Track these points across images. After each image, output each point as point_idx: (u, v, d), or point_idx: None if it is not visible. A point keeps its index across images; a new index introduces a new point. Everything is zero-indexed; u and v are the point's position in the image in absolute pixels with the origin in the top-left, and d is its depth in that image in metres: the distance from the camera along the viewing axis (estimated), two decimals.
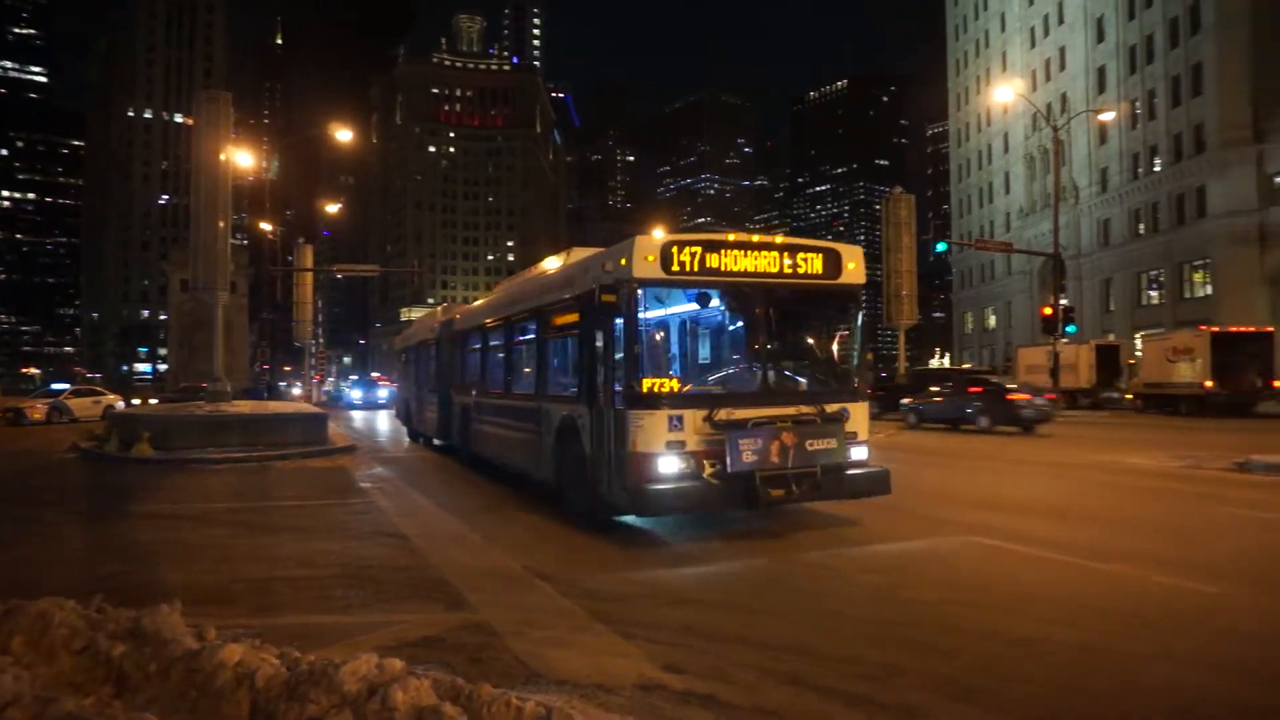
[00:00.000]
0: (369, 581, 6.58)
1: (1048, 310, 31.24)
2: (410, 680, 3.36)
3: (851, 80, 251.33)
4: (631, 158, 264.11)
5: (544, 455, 9.87)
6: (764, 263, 8.01)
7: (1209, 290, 48.24)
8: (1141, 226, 54.33)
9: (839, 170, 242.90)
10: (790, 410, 7.83)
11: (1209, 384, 29.63)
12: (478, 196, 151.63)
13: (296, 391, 57.53)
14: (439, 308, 19.36)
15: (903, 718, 3.86)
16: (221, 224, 19.16)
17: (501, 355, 12.56)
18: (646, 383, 7.52)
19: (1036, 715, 3.95)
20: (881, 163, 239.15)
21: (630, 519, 8.45)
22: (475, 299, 17.35)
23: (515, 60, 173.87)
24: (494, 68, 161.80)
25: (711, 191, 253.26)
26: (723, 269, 7.84)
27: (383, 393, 49.46)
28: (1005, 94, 49.76)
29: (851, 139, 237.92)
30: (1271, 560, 7.20)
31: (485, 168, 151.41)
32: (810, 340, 9.03)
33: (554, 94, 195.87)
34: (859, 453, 8.25)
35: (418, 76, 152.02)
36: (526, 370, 11.38)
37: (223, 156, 19.20)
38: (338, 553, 7.69)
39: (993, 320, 76.47)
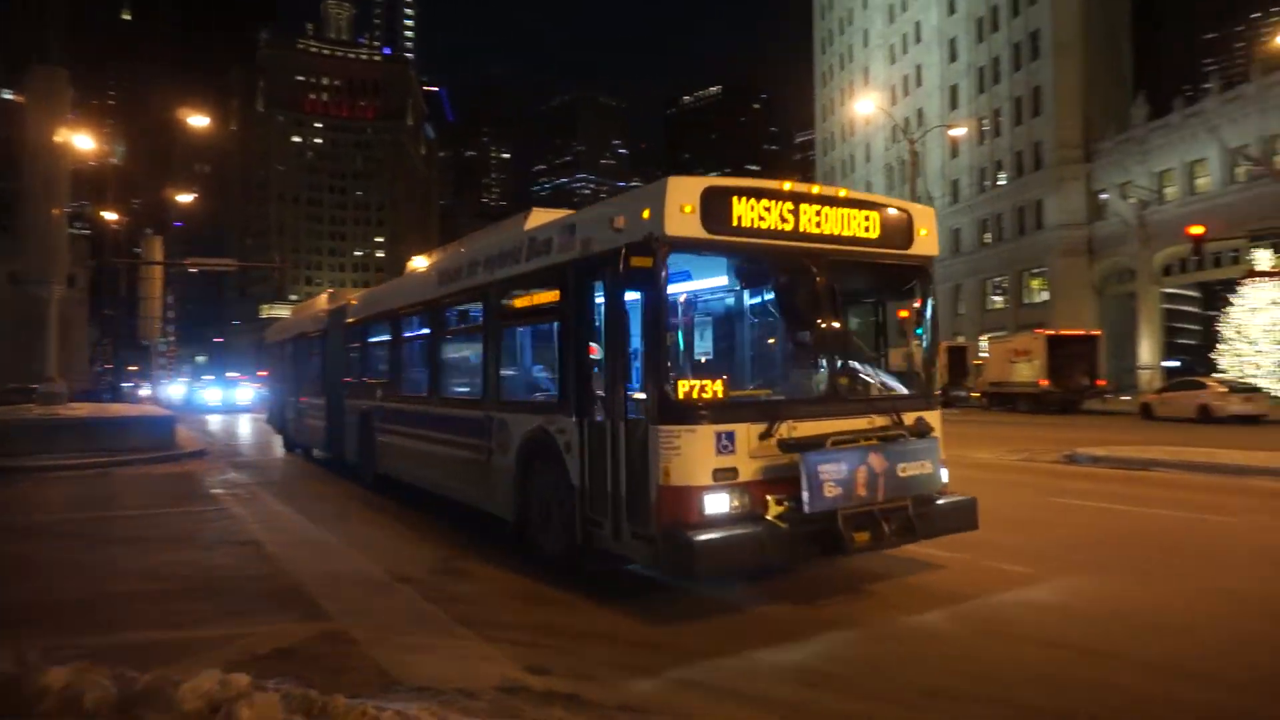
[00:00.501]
0: (218, 593, 6.26)
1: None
2: (257, 695, 3.24)
3: (725, 87, 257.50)
4: (507, 155, 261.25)
5: (497, 482, 7.60)
6: (829, 223, 6.11)
7: (1046, 296, 52.12)
8: (988, 236, 58.20)
9: (711, 175, 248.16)
10: (863, 423, 6.00)
11: (1044, 383, 32.06)
12: (345, 190, 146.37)
13: (144, 393, 53.85)
14: (323, 294, 16.57)
15: None
16: (57, 212, 17.71)
17: (425, 348, 10.04)
18: (683, 385, 5.47)
19: None
20: (752, 168, 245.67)
21: (626, 568, 6.34)
22: None
23: (387, 51, 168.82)
24: (364, 57, 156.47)
25: (587, 192, 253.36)
26: (778, 229, 5.88)
27: (243, 394, 46.99)
28: (867, 107, 52.12)
29: (724, 144, 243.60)
30: (1096, 545, 7.86)
31: (354, 160, 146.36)
32: (878, 328, 7.20)
33: (428, 88, 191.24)
34: (944, 476, 6.38)
35: (282, 62, 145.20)
36: (467, 367, 9.17)
37: (59, 139, 17.77)
38: (184, 563, 7.26)
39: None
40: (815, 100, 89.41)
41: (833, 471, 5.46)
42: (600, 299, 6.16)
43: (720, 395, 5.55)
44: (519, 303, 7.65)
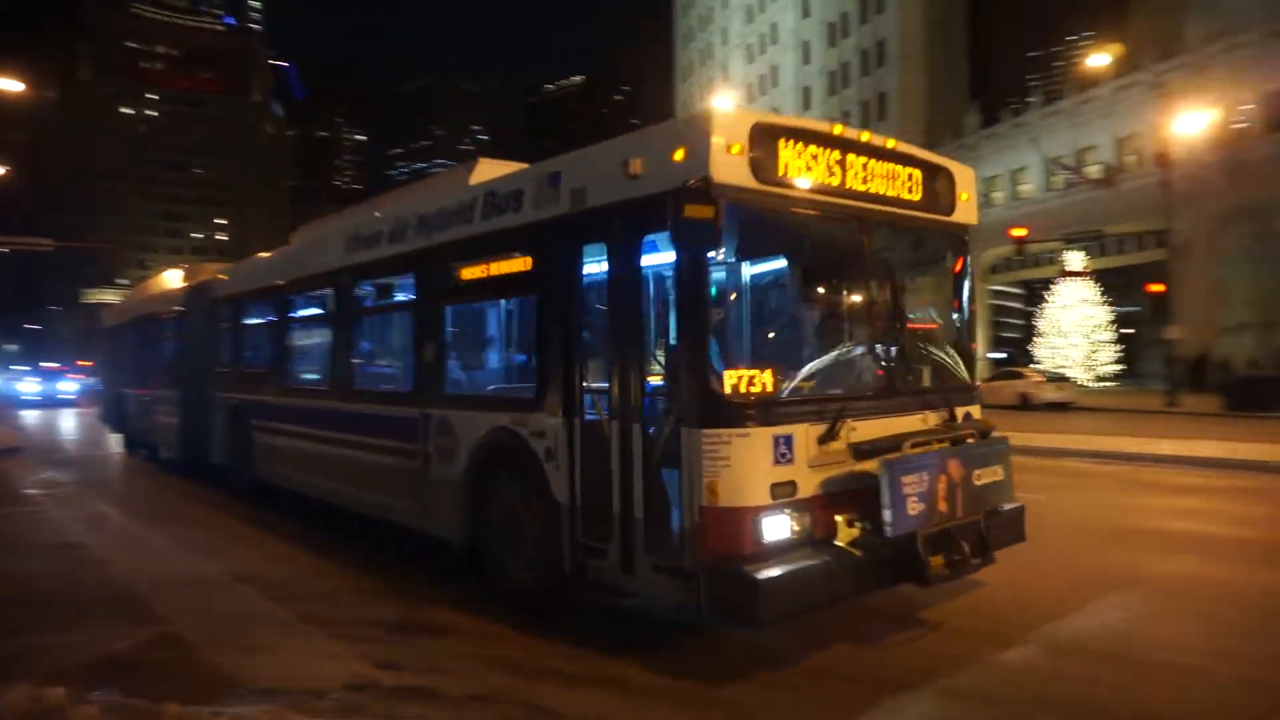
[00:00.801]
0: (37, 601, 5.80)
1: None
2: (76, 708, 3.04)
3: (587, 77, 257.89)
4: (362, 137, 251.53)
5: (438, 496, 6.12)
6: (875, 180, 5.05)
7: None
8: None
9: None
10: (917, 420, 5.00)
11: None
12: (184, 167, 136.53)
13: None
14: (176, 270, 14.37)
15: None
16: None
17: (329, 331, 8.18)
18: (730, 376, 4.24)
19: None
20: None
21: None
22: None
23: (230, 21, 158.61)
24: (205, 26, 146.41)
25: None
26: (824, 183, 4.76)
27: (67, 385, 43.63)
28: (725, 104, 53.57)
29: (585, 134, 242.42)
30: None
31: (193, 135, 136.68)
32: (924, 306, 6.05)
33: (275, 62, 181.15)
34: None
35: (110, 25, 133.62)
36: (390, 354, 7.73)
37: None
38: None
39: None
40: (676, 94, 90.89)
41: (914, 483, 4.41)
42: (599, 266, 4.88)
43: (771, 389, 4.36)
44: (470, 273, 6.06)
